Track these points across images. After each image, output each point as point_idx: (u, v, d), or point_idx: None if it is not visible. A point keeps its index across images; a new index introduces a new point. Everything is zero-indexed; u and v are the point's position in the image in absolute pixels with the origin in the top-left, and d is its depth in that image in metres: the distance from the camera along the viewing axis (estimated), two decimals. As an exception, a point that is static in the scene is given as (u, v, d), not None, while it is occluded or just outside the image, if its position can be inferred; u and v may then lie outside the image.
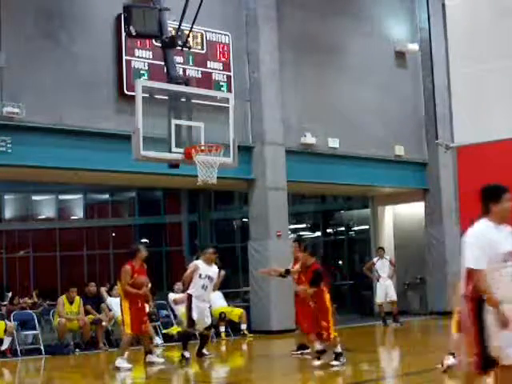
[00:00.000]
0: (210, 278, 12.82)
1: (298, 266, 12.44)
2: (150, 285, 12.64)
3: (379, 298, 18.55)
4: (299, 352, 12.89)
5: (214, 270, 13.02)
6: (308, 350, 12.70)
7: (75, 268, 23.95)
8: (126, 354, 12.13)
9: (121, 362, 11.97)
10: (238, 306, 17.52)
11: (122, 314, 12.37)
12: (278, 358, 13.08)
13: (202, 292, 12.76)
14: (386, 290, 18.43)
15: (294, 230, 23.37)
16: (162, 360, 12.99)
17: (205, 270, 12.81)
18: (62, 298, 15.14)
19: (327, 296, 11.58)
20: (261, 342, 15.87)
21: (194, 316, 12.67)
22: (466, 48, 18.15)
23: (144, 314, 12.59)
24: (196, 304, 12.67)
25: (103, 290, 16.07)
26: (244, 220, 21.42)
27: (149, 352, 12.65)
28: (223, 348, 15.63)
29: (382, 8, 20.46)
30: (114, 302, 15.49)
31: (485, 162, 17.85)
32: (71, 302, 15.09)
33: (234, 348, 15.63)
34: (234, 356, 15.07)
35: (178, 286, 16.95)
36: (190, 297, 12.76)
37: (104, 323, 15.19)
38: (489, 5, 18.12)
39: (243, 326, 16.61)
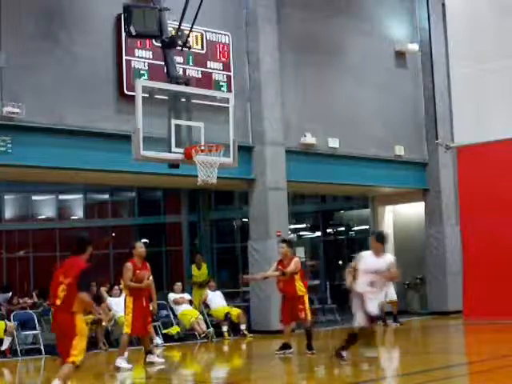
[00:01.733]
0: (378, 271, 10.80)
1: (292, 266, 12.79)
2: (151, 277, 12.55)
3: (379, 297, 18.51)
4: (282, 351, 12.88)
5: (383, 261, 10.85)
6: (291, 350, 12.89)
7: (75, 268, 23.91)
8: (126, 353, 12.13)
9: (121, 362, 11.96)
10: (238, 306, 17.52)
11: (125, 313, 12.35)
12: (278, 358, 13.05)
13: (370, 289, 10.84)
14: (385, 290, 18.39)
15: (294, 230, 23.37)
16: (162, 360, 12.98)
17: (372, 262, 10.86)
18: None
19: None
20: (261, 342, 15.86)
21: (373, 309, 10.82)
22: (466, 48, 18.17)
23: (148, 314, 12.56)
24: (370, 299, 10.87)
25: (103, 290, 16.07)
26: (244, 220, 21.42)
27: (149, 352, 12.64)
28: (223, 348, 15.63)
29: (382, 8, 20.46)
30: (113, 302, 15.51)
31: (485, 162, 17.88)
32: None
33: (234, 348, 15.63)
34: (233, 356, 15.07)
35: (178, 286, 16.98)
36: (361, 295, 10.89)
37: (104, 323, 15.18)
38: (489, 5, 18.14)
39: (243, 326, 16.61)
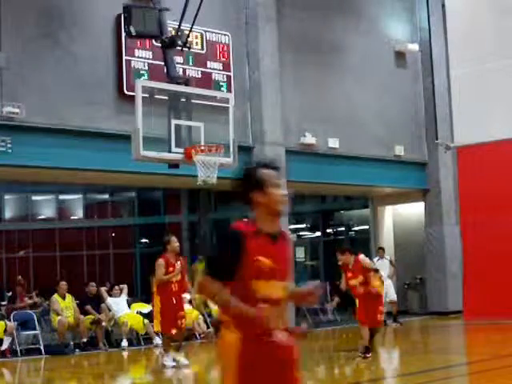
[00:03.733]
0: None
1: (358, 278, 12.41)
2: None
3: (379, 297, 18.52)
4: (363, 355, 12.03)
5: None
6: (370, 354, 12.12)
7: (75, 268, 23.96)
8: (172, 351, 12.15)
9: (168, 360, 12.06)
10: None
11: (154, 312, 12.36)
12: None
13: None
14: (385, 290, 18.38)
15: (294, 230, 23.36)
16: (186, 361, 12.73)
17: None
18: (55, 297, 15.18)
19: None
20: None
21: None
22: (466, 48, 18.17)
23: (179, 309, 12.18)
24: None
25: (103, 290, 16.06)
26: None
27: (176, 350, 12.48)
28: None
29: (382, 8, 20.45)
30: (113, 302, 15.50)
31: (485, 162, 17.88)
32: (63, 297, 15.15)
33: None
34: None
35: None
36: None
37: (104, 323, 15.19)
38: (489, 5, 18.14)
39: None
